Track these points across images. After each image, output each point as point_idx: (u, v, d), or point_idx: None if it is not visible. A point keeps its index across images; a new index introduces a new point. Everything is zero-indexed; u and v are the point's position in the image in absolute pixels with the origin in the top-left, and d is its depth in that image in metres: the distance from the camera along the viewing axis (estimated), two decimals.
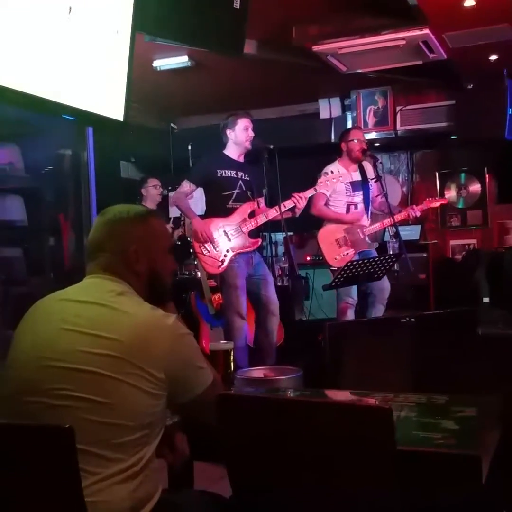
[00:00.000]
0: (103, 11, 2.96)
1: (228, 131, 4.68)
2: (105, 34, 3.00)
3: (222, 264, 4.56)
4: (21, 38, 2.52)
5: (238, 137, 4.66)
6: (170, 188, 6.29)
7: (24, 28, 2.53)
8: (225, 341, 2.70)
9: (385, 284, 5.00)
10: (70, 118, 2.99)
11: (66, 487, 1.39)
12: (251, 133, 4.65)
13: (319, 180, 4.82)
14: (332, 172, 4.89)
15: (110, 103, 3.10)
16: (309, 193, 4.70)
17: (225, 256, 4.57)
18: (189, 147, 6.64)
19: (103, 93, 3.05)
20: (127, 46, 3.15)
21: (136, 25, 3.18)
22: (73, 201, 3.57)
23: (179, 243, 5.97)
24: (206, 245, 4.57)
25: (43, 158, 3.74)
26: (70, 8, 2.76)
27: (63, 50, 2.75)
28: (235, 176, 4.67)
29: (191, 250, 5.29)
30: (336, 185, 4.94)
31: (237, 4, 3.75)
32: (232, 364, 2.28)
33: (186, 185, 4.70)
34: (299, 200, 4.57)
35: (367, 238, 5.08)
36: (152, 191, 6.16)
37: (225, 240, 4.59)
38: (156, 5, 3.49)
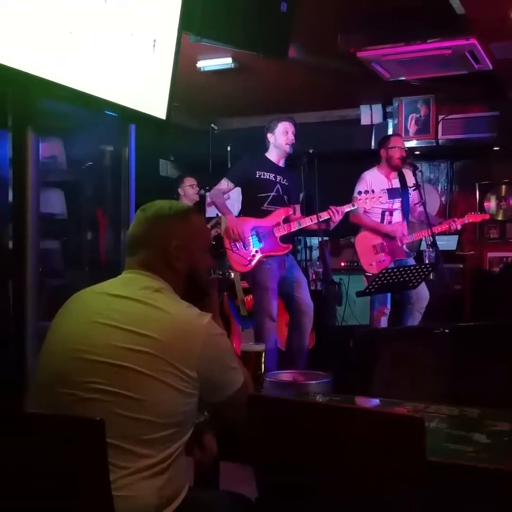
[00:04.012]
0: (152, 10, 2.98)
1: (268, 134, 4.72)
2: (152, 34, 3.02)
3: (249, 263, 4.61)
4: (70, 35, 2.55)
5: (278, 140, 4.67)
6: (207, 188, 6.30)
7: (73, 27, 2.56)
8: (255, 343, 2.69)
9: (424, 293, 4.96)
10: (113, 114, 3.02)
11: (95, 480, 1.40)
12: (291, 137, 4.65)
13: (358, 198, 4.77)
14: (366, 192, 4.79)
15: (154, 101, 3.12)
16: (346, 208, 4.66)
17: (253, 256, 4.61)
18: (228, 148, 6.67)
19: (147, 91, 3.07)
20: (173, 46, 3.18)
21: (182, 26, 3.20)
22: (111, 197, 3.60)
23: (214, 242, 5.99)
24: (236, 242, 4.62)
25: (85, 153, 3.78)
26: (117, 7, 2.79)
27: (110, 48, 2.78)
28: (273, 179, 4.69)
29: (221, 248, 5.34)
30: (374, 203, 4.83)
31: (283, 8, 3.76)
32: (262, 366, 2.28)
33: (224, 183, 4.76)
34: (335, 214, 4.53)
35: (404, 247, 5.04)
36: (189, 190, 6.18)
37: (256, 240, 4.63)
38: (202, 6, 3.52)
